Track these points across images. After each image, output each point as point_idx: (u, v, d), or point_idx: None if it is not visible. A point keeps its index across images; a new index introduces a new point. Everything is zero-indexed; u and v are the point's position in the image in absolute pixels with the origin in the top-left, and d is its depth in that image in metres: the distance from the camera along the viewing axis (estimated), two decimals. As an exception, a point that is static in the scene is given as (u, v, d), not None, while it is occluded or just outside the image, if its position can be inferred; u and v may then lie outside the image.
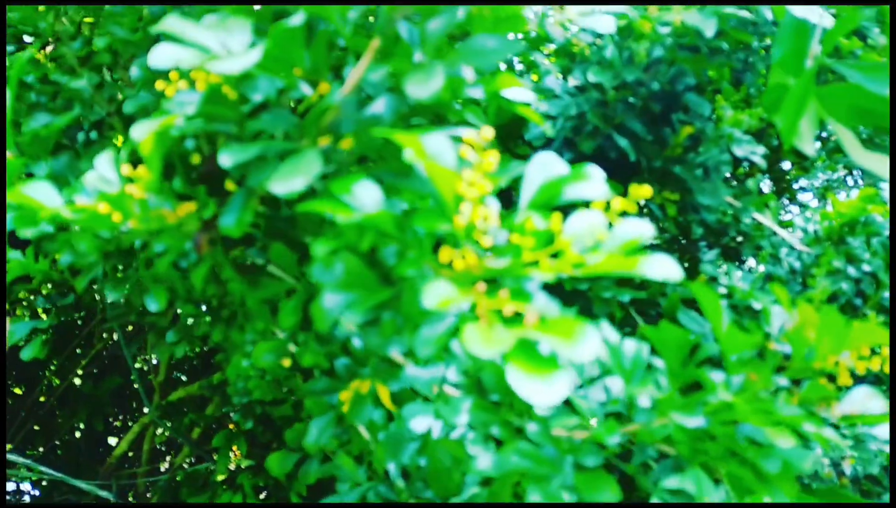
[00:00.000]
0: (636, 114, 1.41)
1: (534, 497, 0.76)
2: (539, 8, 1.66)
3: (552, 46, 1.65)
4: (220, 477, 2.63)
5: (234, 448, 2.24)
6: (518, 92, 0.73)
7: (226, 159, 0.53)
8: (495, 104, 0.74)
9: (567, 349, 0.42)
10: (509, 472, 0.79)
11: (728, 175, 1.62)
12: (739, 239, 1.93)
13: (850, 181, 2.79)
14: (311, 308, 0.62)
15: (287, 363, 1.17)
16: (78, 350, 2.88)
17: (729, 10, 1.27)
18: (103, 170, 0.59)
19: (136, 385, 2.73)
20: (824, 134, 2.15)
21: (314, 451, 1.16)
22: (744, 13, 1.28)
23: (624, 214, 0.52)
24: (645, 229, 0.49)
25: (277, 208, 0.74)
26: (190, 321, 1.02)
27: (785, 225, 1.61)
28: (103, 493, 2.50)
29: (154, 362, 2.87)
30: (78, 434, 2.97)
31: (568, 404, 0.85)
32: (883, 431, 0.75)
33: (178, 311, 1.00)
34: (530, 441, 0.80)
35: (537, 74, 1.55)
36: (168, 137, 0.55)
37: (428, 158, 0.46)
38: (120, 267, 0.78)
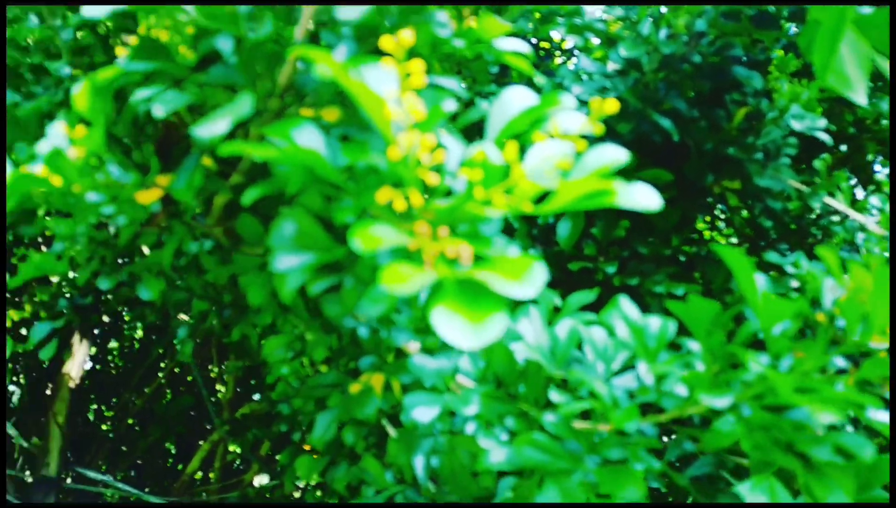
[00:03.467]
0: (680, 92, 1.31)
1: (550, 493, 0.68)
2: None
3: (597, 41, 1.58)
4: (291, 494, 2.61)
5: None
6: (509, 42, 0.66)
7: (158, 109, 0.49)
8: (484, 55, 0.67)
9: (512, 287, 0.34)
10: (525, 467, 0.71)
11: (792, 157, 1.48)
12: (821, 237, 1.76)
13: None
14: (274, 280, 0.57)
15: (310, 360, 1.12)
16: (160, 373, 2.95)
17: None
18: (55, 136, 0.56)
19: (206, 403, 2.76)
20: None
21: (344, 453, 1.11)
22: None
23: (596, 141, 0.44)
24: (618, 154, 0.41)
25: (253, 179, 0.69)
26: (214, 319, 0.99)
27: (860, 207, 1.45)
28: (176, 511, 2.52)
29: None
30: (153, 453, 3.03)
31: (592, 395, 0.76)
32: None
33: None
34: (548, 434, 0.71)
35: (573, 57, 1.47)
36: (108, 93, 0.51)
37: (350, 79, 0.40)
38: (110, 257, 0.76)
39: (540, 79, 0.72)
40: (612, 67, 1.39)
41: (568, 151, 0.42)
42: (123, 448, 3.01)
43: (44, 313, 1.01)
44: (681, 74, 1.35)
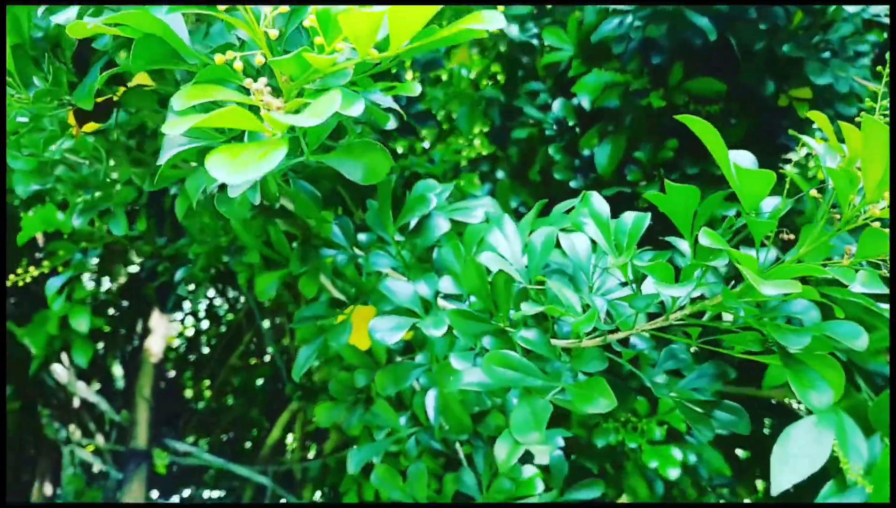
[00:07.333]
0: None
1: (522, 412, 0.62)
2: None
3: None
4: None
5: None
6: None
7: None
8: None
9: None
10: (498, 386, 0.66)
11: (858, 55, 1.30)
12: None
13: None
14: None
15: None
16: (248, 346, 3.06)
17: None
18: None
19: (283, 372, 2.83)
20: None
21: (361, 399, 1.09)
22: None
23: None
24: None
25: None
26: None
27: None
28: (261, 479, 2.62)
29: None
30: (237, 424, 3.16)
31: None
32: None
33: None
34: (523, 350, 0.66)
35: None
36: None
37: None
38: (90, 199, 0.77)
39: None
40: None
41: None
42: (210, 420, 3.13)
43: (61, 268, 1.05)
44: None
